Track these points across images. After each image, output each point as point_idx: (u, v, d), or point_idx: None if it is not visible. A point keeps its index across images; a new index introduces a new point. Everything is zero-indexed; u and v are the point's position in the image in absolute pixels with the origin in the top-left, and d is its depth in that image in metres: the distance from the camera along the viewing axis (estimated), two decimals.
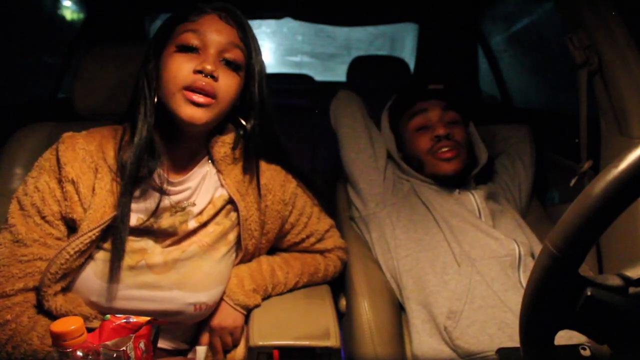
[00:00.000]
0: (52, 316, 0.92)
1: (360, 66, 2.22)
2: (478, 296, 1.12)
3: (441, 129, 1.36)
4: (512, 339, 1.03)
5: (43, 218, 0.94)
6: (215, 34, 0.96)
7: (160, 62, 0.97)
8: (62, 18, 2.40)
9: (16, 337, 0.89)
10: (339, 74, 3.11)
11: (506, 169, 1.52)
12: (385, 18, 2.64)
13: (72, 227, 0.96)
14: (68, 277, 0.93)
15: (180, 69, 0.93)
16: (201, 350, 1.05)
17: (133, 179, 0.95)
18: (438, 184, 1.38)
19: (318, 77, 2.94)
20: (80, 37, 2.21)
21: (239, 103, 1.02)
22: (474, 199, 1.34)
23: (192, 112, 0.93)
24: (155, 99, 0.97)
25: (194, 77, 0.92)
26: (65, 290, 0.95)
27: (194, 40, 0.95)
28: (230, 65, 0.97)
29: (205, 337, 1.07)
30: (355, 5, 2.38)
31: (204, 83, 0.92)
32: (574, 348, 0.61)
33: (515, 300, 1.10)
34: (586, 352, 0.61)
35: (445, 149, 1.35)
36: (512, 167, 1.52)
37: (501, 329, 1.06)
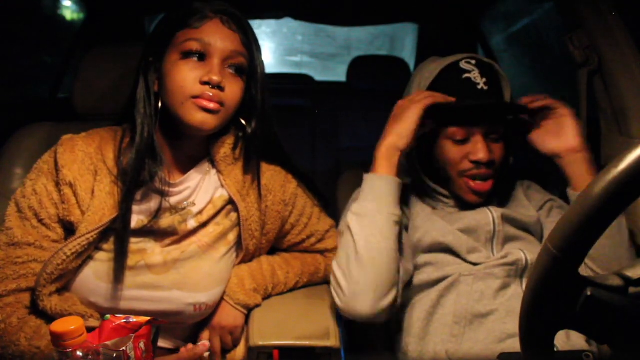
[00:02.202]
0: (45, 316, 0.92)
1: (360, 66, 2.22)
2: (477, 314, 1.05)
3: (483, 152, 1.08)
4: (512, 347, 1.02)
5: (40, 221, 0.94)
6: (219, 42, 0.95)
7: (163, 68, 0.97)
8: (62, 18, 2.40)
9: (5, 337, 0.89)
10: (339, 74, 3.11)
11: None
12: (385, 18, 2.64)
13: (70, 229, 0.96)
14: (65, 278, 0.93)
15: (187, 79, 0.93)
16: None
17: (134, 183, 0.95)
18: (455, 202, 1.18)
19: (318, 77, 2.94)
20: (80, 37, 2.21)
21: (241, 103, 1.02)
22: (492, 217, 1.13)
23: (203, 119, 0.93)
24: (159, 104, 0.97)
25: (202, 88, 0.93)
26: (61, 290, 0.95)
27: (198, 50, 0.95)
28: (235, 73, 0.97)
29: (205, 333, 1.08)
30: (355, 5, 2.38)
31: (211, 94, 0.93)
32: (576, 354, 0.61)
33: (517, 306, 1.03)
34: None
35: (482, 178, 1.11)
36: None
37: (502, 341, 1.03)
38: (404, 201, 1.13)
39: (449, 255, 1.11)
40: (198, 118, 0.93)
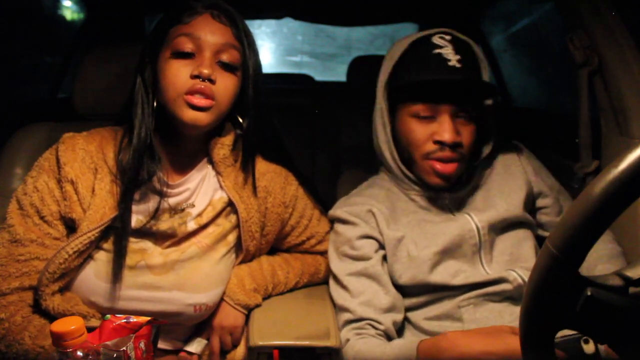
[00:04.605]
0: (48, 315, 0.92)
1: (360, 66, 2.21)
2: None
3: (448, 134, 1.02)
4: None
5: (42, 218, 0.94)
6: (209, 35, 0.95)
7: (157, 67, 0.97)
8: (62, 18, 2.40)
9: (9, 336, 0.89)
10: (339, 74, 3.10)
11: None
12: (385, 18, 2.63)
13: (71, 227, 0.96)
14: (66, 277, 0.93)
15: (178, 75, 0.93)
16: (199, 342, 1.06)
17: (133, 183, 0.95)
18: (426, 192, 1.12)
19: (318, 77, 2.93)
20: (80, 37, 2.21)
21: (238, 100, 1.02)
22: (475, 227, 1.07)
23: (194, 116, 0.93)
24: (155, 103, 0.97)
25: (192, 82, 0.93)
26: (63, 290, 0.95)
27: (188, 45, 0.94)
28: (227, 67, 0.97)
29: (204, 335, 1.08)
30: (355, 5, 2.38)
31: (202, 87, 0.93)
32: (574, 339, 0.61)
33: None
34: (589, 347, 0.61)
35: (445, 160, 1.04)
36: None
37: None
38: (375, 227, 1.10)
39: (434, 290, 1.06)
40: (189, 115, 0.93)
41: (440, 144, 1.03)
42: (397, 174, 1.13)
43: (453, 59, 1.03)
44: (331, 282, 1.12)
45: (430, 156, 1.05)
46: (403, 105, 1.08)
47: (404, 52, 1.08)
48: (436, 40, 1.05)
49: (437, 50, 1.04)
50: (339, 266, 1.10)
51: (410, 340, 0.98)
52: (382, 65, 1.14)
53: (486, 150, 1.14)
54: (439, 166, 1.05)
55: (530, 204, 1.16)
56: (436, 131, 1.04)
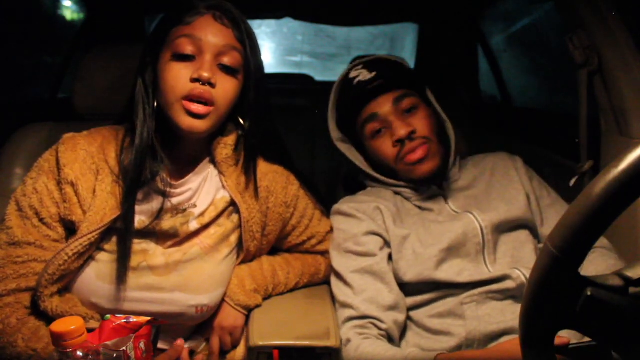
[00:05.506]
0: (45, 318, 0.92)
1: None
2: (476, 343, 1.02)
3: (401, 129, 1.11)
4: None
5: (41, 220, 0.94)
6: (210, 37, 0.95)
7: (158, 68, 0.97)
8: (62, 18, 2.40)
9: (3, 338, 0.89)
10: (339, 74, 3.10)
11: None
12: (385, 18, 2.64)
13: (70, 229, 0.96)
14: (66, 278, 0.93)
15: (178, 78, 0.93)
16: (197, 340, 1.07)
17: (136, 183, 0.95)
18: (420, 194, 1.17)
19: (318, 77, 2.93)
20: (80, 37, 2.21)
21: (239, 102, 1.02)
22: (479, 226, 1.10)
23: (191, 123, 0.93)
24: (155, 104, 0.97)
25: (192, 86, 0.92)
26: (63, 291, 0.95)
27: (189, 47, 0.94)
28: (228, 70, 0.96)
29: (204, 335, 1.08)
30: (355, 5, 2.38)
31: (201, 91, 0.92)
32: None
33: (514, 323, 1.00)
34: None
35: (412, 150, 1.12)
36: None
37: None
38: (381, 224, 1.12)
39: (439, 288, 1.07)
40: (186, 122, 0.93)
41: (399, 141, 1.13)
42: (390, 190, 1.19)
43: (369, 75, 1.16)
44: (333, 279, 1.13)
45: (401, 156, 1.13)
46: (362, 134, 1.19)
47: (337, 98, 1.25)
48: (352, 74, 1.20)
49: (357, 80, 1.18)
50: (341, 263, 1.11)
51: (426, 354, 0.97)
52: (328, 120, 1.27)
53: (450, 132, 1.20)
54: (411, 157, 1.12)
55: (529, 207, 1.18)
56: (392, 134, 1.13)
